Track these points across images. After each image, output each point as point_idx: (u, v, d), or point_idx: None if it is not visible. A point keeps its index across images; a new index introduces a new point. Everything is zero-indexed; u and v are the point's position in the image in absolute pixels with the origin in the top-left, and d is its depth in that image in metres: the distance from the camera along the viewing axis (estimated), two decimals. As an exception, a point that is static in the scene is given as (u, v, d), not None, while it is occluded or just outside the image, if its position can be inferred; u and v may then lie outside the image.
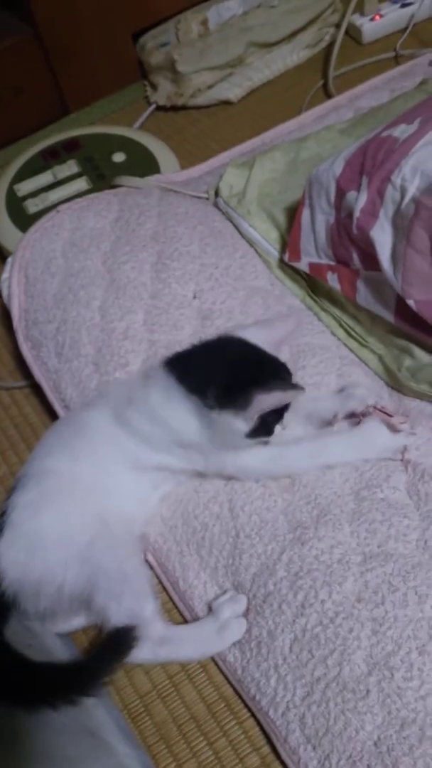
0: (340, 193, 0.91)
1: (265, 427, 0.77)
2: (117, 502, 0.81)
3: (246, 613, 0.79)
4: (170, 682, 0.82)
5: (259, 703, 0.75)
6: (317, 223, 0.96)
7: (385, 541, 0.78)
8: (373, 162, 0.87)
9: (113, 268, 1.03)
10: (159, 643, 0.77)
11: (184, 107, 1.56)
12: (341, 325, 0.98)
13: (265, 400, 0.74)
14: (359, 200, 0.87)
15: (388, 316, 0.89)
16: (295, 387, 0.78)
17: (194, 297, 1.00)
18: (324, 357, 0.95)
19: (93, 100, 1.63)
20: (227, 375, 0.77)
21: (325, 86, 1.49)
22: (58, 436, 0.87)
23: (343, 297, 0.96)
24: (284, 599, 0.77)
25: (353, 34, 1.56)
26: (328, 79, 1.47)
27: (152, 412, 0.79)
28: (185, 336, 0.97)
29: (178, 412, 0.77)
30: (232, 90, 1.54)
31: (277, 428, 0.80)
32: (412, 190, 0.81)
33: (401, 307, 0.87)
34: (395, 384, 0.91)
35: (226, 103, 1.55)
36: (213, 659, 0.81)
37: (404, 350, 0.91)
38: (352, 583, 0.76)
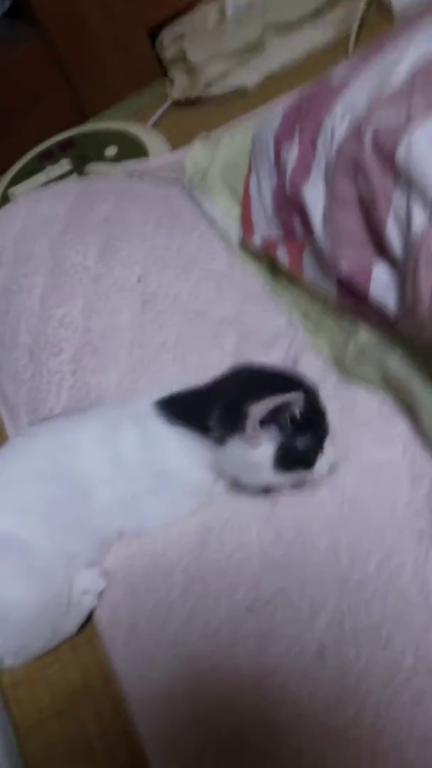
0: (278, 150, 0.79)
1: (298, 455, 0.64)
2: None
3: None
4: None
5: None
6: (263, 189, 0.84)
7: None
8: (307, 108, 0.75)
9: (59, 254, 0.95)
10: None
11: (199, 100, 1.49)
12: (298, 308, 0.86)
13: (258, 410, 0.62)
14: (291, 152, 0.75)
15: (331, 291, 0.76)
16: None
17: (138, 280, 0.91)
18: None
19: (112, 103, 1.58)
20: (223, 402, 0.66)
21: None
22: None
23: (292, 272, 0.83)
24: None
25: (384, 10, 1.43)
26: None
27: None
28: (123, 322, 0.88)
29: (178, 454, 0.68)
30: (249, 75, 1.44)
31: (323, 462, 0.65)
32: (339, 135, 0.68)
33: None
34: (342, 370, 0.77)
35: (243, 92, 1.46)
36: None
37: (350, 333, 0.76)
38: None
